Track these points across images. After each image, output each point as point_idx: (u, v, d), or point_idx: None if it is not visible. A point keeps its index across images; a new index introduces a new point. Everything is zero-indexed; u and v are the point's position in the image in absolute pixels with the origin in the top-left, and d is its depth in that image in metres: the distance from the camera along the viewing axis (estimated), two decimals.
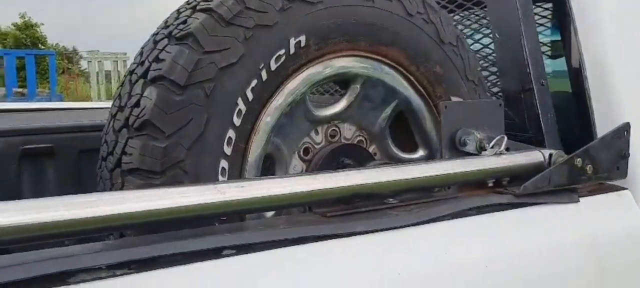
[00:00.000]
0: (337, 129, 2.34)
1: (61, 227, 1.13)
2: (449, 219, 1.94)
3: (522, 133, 2.69)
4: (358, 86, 2.29)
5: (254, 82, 1.93)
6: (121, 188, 1.82)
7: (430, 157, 2.48)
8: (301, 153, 2.25)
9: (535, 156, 2.29)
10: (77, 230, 1.23)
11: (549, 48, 3.16)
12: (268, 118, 2.02)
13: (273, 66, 1.97)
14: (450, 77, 2.42)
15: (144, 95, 1.84)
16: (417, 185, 1.98)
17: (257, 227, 1.65)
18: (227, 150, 1.89)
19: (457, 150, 2.23)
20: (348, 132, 2.36)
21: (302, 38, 2.02)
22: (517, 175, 2.23)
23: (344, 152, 2.28)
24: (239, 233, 1.56)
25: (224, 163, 1.88)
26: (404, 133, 2.50)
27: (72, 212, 1.22)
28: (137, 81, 1.92)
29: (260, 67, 1.94)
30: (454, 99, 2.46)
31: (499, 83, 2.93)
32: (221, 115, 1.87)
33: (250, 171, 1.98)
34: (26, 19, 41.38)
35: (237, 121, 1.91)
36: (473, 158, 2.14)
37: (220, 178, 1.87)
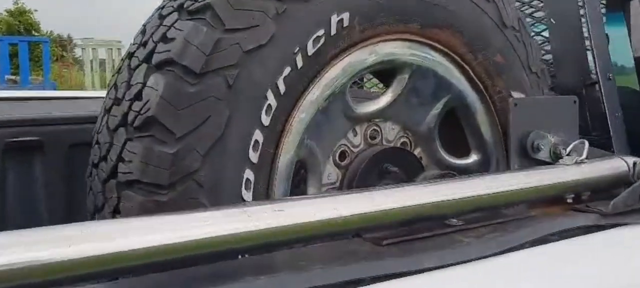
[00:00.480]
0: (378, 128, 1.93)
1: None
2: (529, 247, 1.53)
3: (583, 135, 2.27)
4: (406, 77, 1.88)
5: (287, 70, 1.52)
6: (117, 205, 1.41)
7: (484, 163, 2.07)
8: (337, 158, 1.83)
9: (617, 165, 1.89)
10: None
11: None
12: (302, 115, 1.60)
13: (310, 50, 1.56)
14: (512, 67, 2.01)
15: (147, 84, 1.42)
16: (489, 204, 1.57)
17: (296, 265, 1.24)
18: (253, 156, 1.48)
19: (528, 157, 1.83)
20: (390, 132, 1.95)
21: (345, 16, 1.61)
22: (599, 189, 1.83)
23: (387, 156, 1.87)
24: (271, 278, 1.14)
25: (248, 174, 1.47)
26: (454, 134, 2.09)
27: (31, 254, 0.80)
28: (138, 66, 1.50)
29: (296, 51, 1.53)
30: (515, 94, 2.05)
31: (553, 76, 2.50)
32: (246, 111, 1.45)
33: (279, 183, 1.57)
34: (19, 4, 40.64)
35: (265, 119, 1.49)
36: (550, 168, 1.74)
37: (244, 193, 1.46)
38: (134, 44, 1.60)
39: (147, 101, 1.39)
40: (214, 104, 1.39)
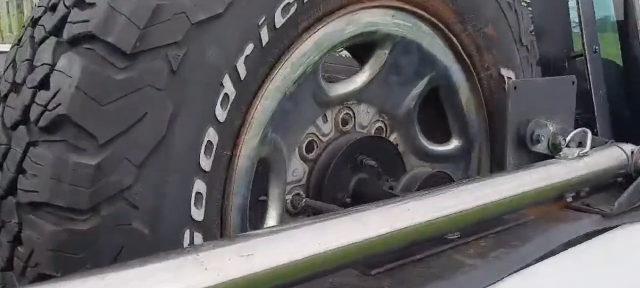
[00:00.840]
0: (350, 113, 1.61)
1: None
2: (537, 262, 1.29)
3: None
4: (386, 52, 1.56)
5: (249, 48, 1.16)
6: (18, 234, 1.02)
7: (465, 149, 1.81)
8: (303, 150, 1.51)
9: (616, 154, 1.67)
10: None
11: None
12: (266, 102, 1.26)
13: (279, 21, 1.20)
14: (503, 40, 1.73)
15: (57, 67, 1.02)
16: (493, 214, 1.31)
17: None
18: (206, 162, 1.12)
19: (526, 149, 1.57)
20: (364, 116, 1.64)
21: None
22: (599, 184, 1.62)
23: (361, 147, 1.57)
24: None
25: (199, 186, 1.12)
26: (432, 118, 1.81)
27: None
28: (44, 40, 1.09)
29: (260, 23, 1.16)
30: (504, 71, 1.78)
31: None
32: (197, 105, 1.09)
33: (237, 193, 1.23)
34: None
35: (221, 114, 1.14)
36: (550, 165, 1.49)
37: (194, 212, 1.11)
38: (40, 6, 1.18)
39: (57, 92, 0.99)
40: (151, 96, 1.02)
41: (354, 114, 1.62)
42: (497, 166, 1.85)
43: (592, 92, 2.10)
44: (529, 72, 1.88)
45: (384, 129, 1.70)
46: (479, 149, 1.83)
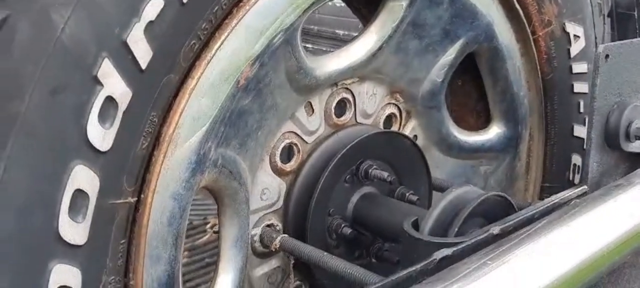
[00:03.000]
0: (349, 96, 1.06)
1: None
2: None
3: None
4: (403, 3, 0.99)
5: (153, 6, 0.60)
6: None
7: (509, 139, 1.28)
8: (277, 160, 0.97)
9: None
10: None
11: None
12: (200, 103, 0.71)
13: None
14: None
15: None
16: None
17: None
18: (71, 229, 0.58)
19: (615, 147, 1.03)
20: (370, 100, 1.09)
21: None
22: None
23: (366, 149, 1.03)
24: None
25: (62, 274, 0.58)
26: (464, 96, 1.27)
27: None
28: None
29: None
30: (570, 27, 1.21)
31: None
32: (39, 121, 0.54)
33: (154, 256, 0.70)
34: None
35: (99, 136, 0.59)
36: None
37: None
38: None
39: None
40: None
41: (354, 98, 1.07)
42: (554, 162, 1.32)
43: None
44: (601, 28, 1.31)
45: (398, 117, 1.15)
46: (530, 139, 1.29)
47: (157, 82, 0.64)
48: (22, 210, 0.55)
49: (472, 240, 0.77)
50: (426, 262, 0.71)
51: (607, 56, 0.96)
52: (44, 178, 0.56)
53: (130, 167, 0.64)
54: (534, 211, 0.87)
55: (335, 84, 1.03)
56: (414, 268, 0.70)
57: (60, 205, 0.57)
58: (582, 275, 0.74)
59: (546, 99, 1.28)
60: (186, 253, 1.90)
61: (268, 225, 0.99)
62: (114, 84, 0.59)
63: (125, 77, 0.60)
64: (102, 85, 0.58)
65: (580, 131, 1.31)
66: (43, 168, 0.56)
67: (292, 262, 1.00)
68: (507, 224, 0.83)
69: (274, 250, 0.97)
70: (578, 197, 0.94)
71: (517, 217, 0.85)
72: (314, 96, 1.01)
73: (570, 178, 1.33)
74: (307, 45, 1.20)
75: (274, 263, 1.01)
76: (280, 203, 1.00)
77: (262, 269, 1.00)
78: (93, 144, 0.59)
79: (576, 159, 1.33)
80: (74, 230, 0.58)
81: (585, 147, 1.01)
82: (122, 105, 0.61)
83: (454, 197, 0.88)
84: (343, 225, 1.02)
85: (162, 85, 0.65)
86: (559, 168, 1.34)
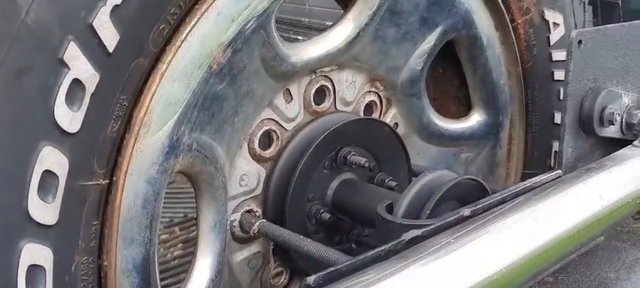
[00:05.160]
0: (328, 84, 1.07)
1: None
2: None
3: None
4: None
5: None
6: None
7: (491, 126, 1.29)
8: (256, 146, 0.98)
9: None
10: None
11: None
12: (171, 87, 0.72)
13: None
14: None
15: None
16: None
17: None
18: (41, 210, 0.59)
19: (589, 132, 1.04)
20: (349, 88, 1.10)
21: None
22: None
23: (345, 135, 1.04)
24: None
25: (33, 253, 0.59)
26: (445, 84, 1.28)
27: None
28: None
29: None
30: (549, 14, 1.22)
31: None
32: (11, 103, 0.55)
33: (128, 239, 0.71)
34: None
35: (67, 117, 0.60)
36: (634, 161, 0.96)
37: None
38: None
39: None
40: None
41: (333, 85, 1.08)
42: (535, 149, 1.33)
43: None
44: (581, 16, 1.32)
45: (379, 105, 1.16)
46: (511, 127, 1.30)
47: (126, 66, 0.65)
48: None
49: (442, 222, 0.78)
50: (395, 241, 0.72)
51: (580, 42, 0.96)
52: (11, 159, 0.57)
53: (101, 149, 0.65)
54: (506, 194, 0.88)
55: (314, 72, 1.04)
56: (382, 248, 0.71)
57: (29, 185, 0.58)
58: (548, 255, 0.75)
59: (526, 87, 1.29)
60: (180, 245, 1.90)
61: (247, 211, 1.00)
62: (80, 66, 0.60)
63: (92, 60, 0.61)
64: (68, 67, 0.59)
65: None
66: (11, 149, 0.57)
67: (272, 246, 1.01)
68: (477, 206, 0.83)
69: (253, 235, 0.98)
70: (552, 181, 0.95)
71: (489, 200, 0.86)
72: (292, 83, 1.02)
73: (552, 165, 1.34)
74: (299, 37, 1.19)
75: (254, 248, 1.02)
76: (260, 189, 1.01)
77: (242, 254, 1.01)
78: (61, 125, 0.59)
79: (557, 146, 1.34)
80: (44, 210, 0.59)
81: (560, 132, 1.02)
82: (90, 88, 0.62)
83: (427, 181, 0.89)
84: (322, 210, 1.03)
85: (131, 69, 0.65)
86: (540, 155, 1.35)
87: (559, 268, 0.82)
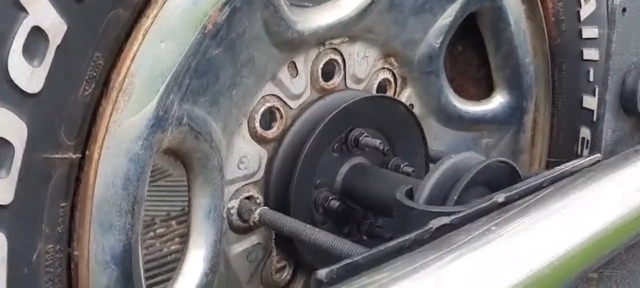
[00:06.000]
0: (338, 57, 0.96)
1: None
2: None
3: None
4: None
5: None
6: None
7: (513, 110, 1.18)
8: (257, 125, 0.87)
9: None
10: None
11: None
12: (156, 48, 0.60)
13: None
14: None
15: None
16: None
17: None
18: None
19: (634, 112, 0.92)
20: (361, 63, 0.99)
21: None
22: None
23: (357, 115, 0.93)
24: None
25: None
26: (465, 63, 1.17)
27: None
28: None
29: None
30: None
31: None
32: None
33: (104, 224, 0.60)
34: None
35: (26, 74, 0.49)
36: None
37: None
38: None
39: None
40: None
41: (343, 60, 0.97)
42: (561, 135, 1.22)
43: None
44: None
45: (393, 83, 1.05)
46: (535, 110, 1.19)
47: (101, 17, 0.54)
48: None
49: (474, 208, 0.67)
50: (421, 230, 0.61)
51: (624, 10, 0.85)
52: None
53: (70, 116, 0.53)
54: (542, 179, 0.76)
55: (323, 44, 0.93)
56: (406, 237, 0.60)
57: None
58: (596, 248, 0.64)
59: (553, 66, 1.18)
60: (177, 240, 1.81)
61: (247, 198, 0.89)
62: (41, 11, 0.49)
63: (57, 6, 0.50)
64: (26, 11, 0.48)
65: (589, 102, 1.21)
66: None
67: (274, 237, 0.90)
68: (513, 192, 0.72)
69: (253, 224, 0.87)
70: (591, 165, 0.84)
71: (524, 185, 0.75)
72: (299, 55, 0.90)
73: (578, 153, 1.23)
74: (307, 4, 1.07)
75: (254, 239, 0.91)
76: (261, 173, 0.90)
77: (240, 246, 0.90)
78: (16, 83, 0.48)
79: (585, 132, 1.23)
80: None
81: (598, 112, 0.91)
82: (55, 39, 0.50)
83: (452, 163, 0.78)
84: (330, 198, 0.92)
85: (107, 20, 0.54)
86: (566, 141, 1.24)
87: (604, 264, 0.71)
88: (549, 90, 1.20)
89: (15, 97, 0.49)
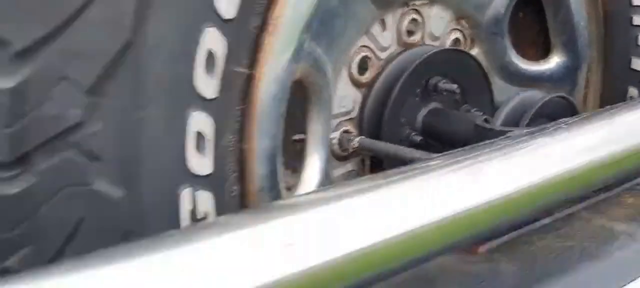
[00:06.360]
0: (418, 17, 1.13)
1: None
2: None
3: None
4: None
5: None
6: None
7: (569, 69, 1.33)
8: (354, 71, 1.05)
9: None
10: None
11: None
12: None
13: None
14: None
15: None
16: None
17: None
18: (206, 83, 0.69)
19: None
20: (437, 23, 1.16)
21: None
22: None
23: (434, 64, 1.10)
24: None
25: (199, 121, 0.69)
26: (526, 26, 1.32)
27: None
28: None
29: None
30: None
31: None
32: None
33: (263, 128, 0.80)
34: None
35: (226, 5, 0.69)
36: None
37: (192, 159, 0.69)
38: None
39: None
40: None
41: (423, 19, 1.15)
42: (611, 93, 1.37)
43: None
44: None
45: (463, 41, 1.22)
46: (588, 71, 1.34)
47: None
48: (166, 65, 0.66)
49: (544, 128, 0.84)
50: (499, 138, 0.79)
51: None
52: (181, 38, 0.66)
53: (247, 40, 0.73)
54: (601, 111, 0.92)
55: (407, 4, 1.11)
56: (485, 142, 0.77)
57: (194, 61, 0.67)
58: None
59: (605, 31, 1.33)
60: None
61: (344, 131, 1.08)
62: None
63: None
64: None
65: (637, 64, 1.35)
66: (180, 30, 0.66)
67: (369, 163, 1.09)
68: (575, 120, 0.89)
69: (352, 150, 1.06)
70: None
71: (584, 115, 0.91)
72: (388, 13, 1.09)
73: None
74: None
75: (349, 166, 1.10)
76: (355, 112, 1.09)
77: (338, 171, 1.09)
78: (219, 12, 0.68)
79: (632, 91, 1.37)
80: (205, 83, 0.68)
81: None
82: None
83: (521, 97, 0.95)
84: (413, 133, 1.11)
85: None
86: (616, 100, 1.38)
87: None
88: (601, 53, 1.34)
89: (219, 20, 0.69)
